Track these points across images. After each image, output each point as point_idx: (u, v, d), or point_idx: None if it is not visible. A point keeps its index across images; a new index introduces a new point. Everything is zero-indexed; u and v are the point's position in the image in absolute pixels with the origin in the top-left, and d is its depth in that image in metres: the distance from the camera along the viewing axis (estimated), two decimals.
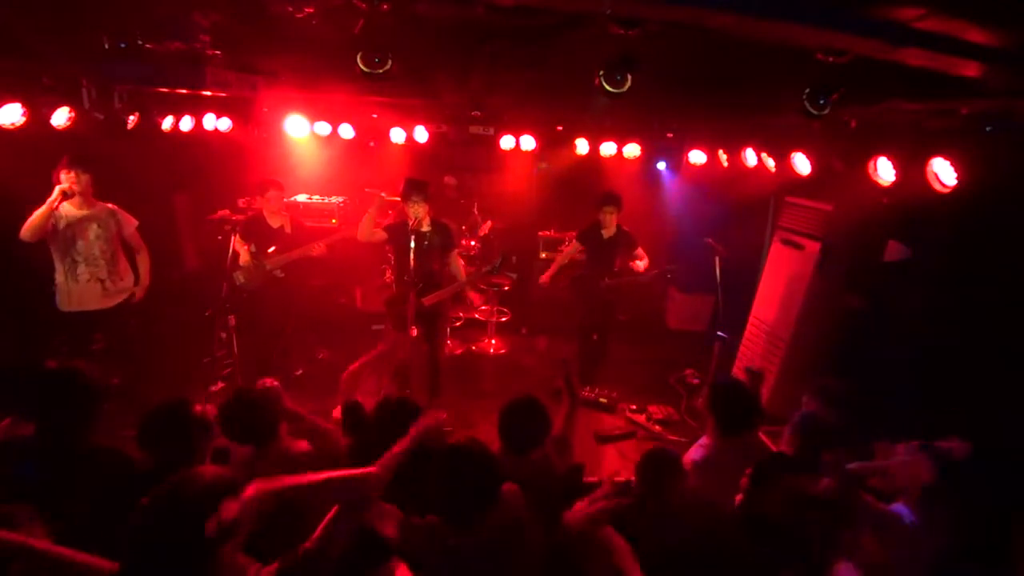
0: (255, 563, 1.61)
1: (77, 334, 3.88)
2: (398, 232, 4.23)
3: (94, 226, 3.84)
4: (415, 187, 4.13)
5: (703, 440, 2.72)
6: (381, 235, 4.28)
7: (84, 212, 3.80)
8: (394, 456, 2.03)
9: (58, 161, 3.68)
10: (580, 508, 2.25)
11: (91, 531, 1.75)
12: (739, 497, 2.26)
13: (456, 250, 4.57)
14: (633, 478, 2.29)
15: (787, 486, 1.88)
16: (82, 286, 3.84)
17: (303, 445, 2.40)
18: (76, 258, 3.80)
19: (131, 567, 1.46)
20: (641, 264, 5.04)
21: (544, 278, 5.41)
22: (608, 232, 5.06)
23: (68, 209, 3.73)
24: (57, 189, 3.62)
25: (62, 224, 3.71)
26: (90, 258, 3.84)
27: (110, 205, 3.95)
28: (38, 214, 3.60)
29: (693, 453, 2.67)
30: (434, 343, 4.52)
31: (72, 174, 3.65)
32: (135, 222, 4.07)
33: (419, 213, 4.10)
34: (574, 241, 5.37)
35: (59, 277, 3.81)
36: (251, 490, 1.57)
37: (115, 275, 3.98)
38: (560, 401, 2.85)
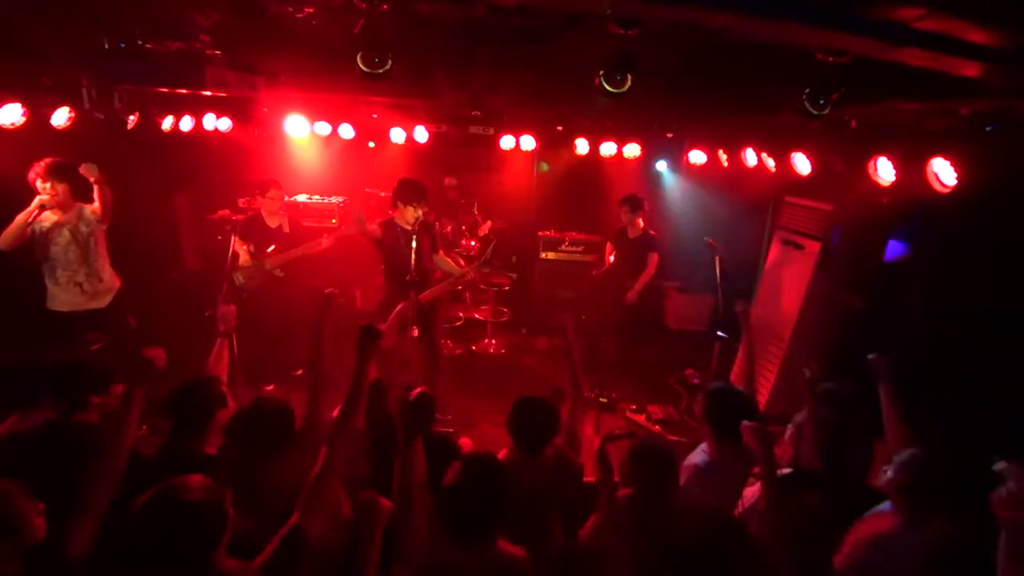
0: (241, 562, 1.64)
1: (70, 333, 3.88)
2: (389, 234, 4.24)
3: (65, 232, 3.82)
4: (418, 192, 4.16)
5: (703, 446, 2.72)
6: (377, 231, 4.26)
7: (56, 219, 3.77)
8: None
9: (38, 161, 3.64)
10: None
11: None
12: (743, 502, 2.27)
13: (441, 250, 4.57)
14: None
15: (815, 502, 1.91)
16: (62, 289, 3.86)
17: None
18: (53, 263, 3.81)
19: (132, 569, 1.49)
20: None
21: (632, 296, 5.24)
22: (633, 232, 5.29)
23: (42, 216, 3.71)
24: (36, 200, 3.62)
25: (36, 231, 3.71)
26: (65, 263, 3.84)
27: (78, 204, 3.88)
28: (15, 225, 3.61)
29: (694, 458, 2.67)
30: (432, 343, 4.53)
31: (48, 185, 3.64)
32: (94, 201, 3.88)
33: (417, 215, 4.13)
34: (608, 243, 5.64)
35: (46, 280, 3.84)
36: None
37: (93, 277, 3.95)
38: (562, 400, 2.85)
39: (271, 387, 4.68)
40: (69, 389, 2.35)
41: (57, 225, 3.79)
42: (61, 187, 3.70)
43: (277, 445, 2.18)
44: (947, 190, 3.10)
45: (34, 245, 3.75)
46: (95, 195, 3.85)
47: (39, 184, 3.64)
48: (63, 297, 3.87)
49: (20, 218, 3.62)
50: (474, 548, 1.89)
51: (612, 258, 5.53)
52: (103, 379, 2.43)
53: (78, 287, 3.90)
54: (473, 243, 6.44)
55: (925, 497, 2.03)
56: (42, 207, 3.64)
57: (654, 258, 5.20)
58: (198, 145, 5.58)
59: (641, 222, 5.24)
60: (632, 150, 6.03)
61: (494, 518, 1.91)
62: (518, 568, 1.94)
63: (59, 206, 3.74)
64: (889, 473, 2.11)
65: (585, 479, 2.69)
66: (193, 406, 2.30)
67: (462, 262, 6.13)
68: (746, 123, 4.94)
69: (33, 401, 2.34)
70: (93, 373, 2.43)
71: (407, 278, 4.07)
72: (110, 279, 4.07)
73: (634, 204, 5.20)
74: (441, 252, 4.53)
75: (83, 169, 3.73)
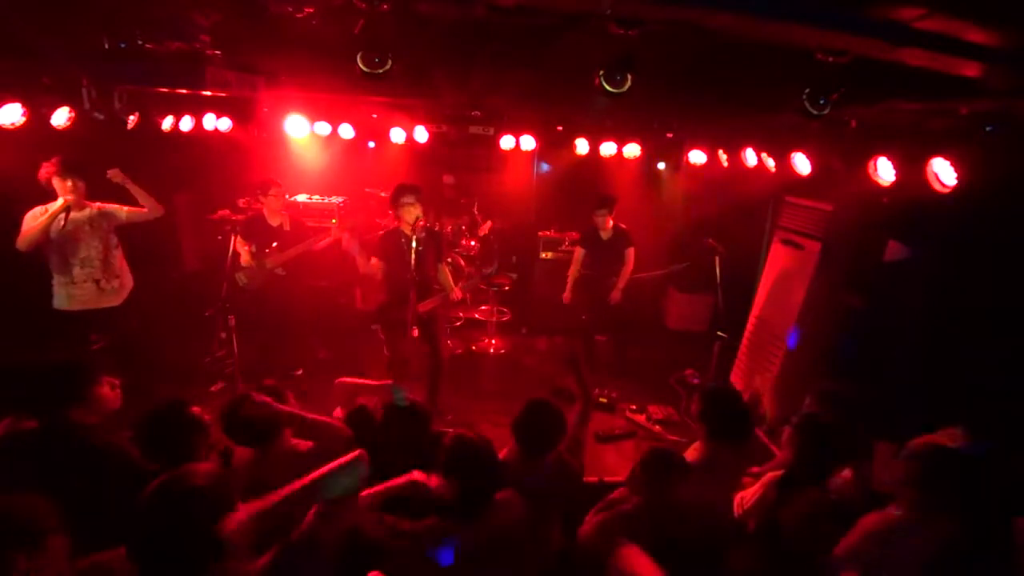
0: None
1: (75, 333, 3.87)
2: (389, 242, 4.25)
3: (87, 228, 3.85)
4: (409, 189, 4.17)
5: (696, 444, 2.72)
6: (378, 265, 4.27)
7: (76, 215, 3.78)
8: (384, 490, 2.06)
9: (46, 161, 3.66)
10: (589, 520, 2.25)
11: (96, 524, 1.76)
12: (743, 503, 2.26)
13: (446, 260, 4.57)
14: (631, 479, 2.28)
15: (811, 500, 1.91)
16: (79, 287, 3.85)
17: (307, 444, 2.39)
18: (72, 261, 3.81)
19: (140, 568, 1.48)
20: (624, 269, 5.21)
21: (566, 297, 5.43)
22: (605, 233, 5.24)
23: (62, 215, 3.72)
24: (61, 201, 3.62)
25: (57, 231, 3.69)
26: (86, 260, 3.85)
27: (96, 205, 3.93)
28: (38, 226, 3.59)
29: (687, 457, 2.67)
30: (435, 344, 4.52)
31: (70, 183, 3.66)
32: (121, 206, 4.04)
33: (416, 214, 4.13)
34: (577, 247, 5.50)
35: (56, 279, 3.83)
36: (242, 514, 1.56)
37: (110, 274, 3.98)
38: (561, 400, 2.85)
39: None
40: (40, 403, 2.20)
41: (79, 222, 3.81)
42: (80, 182, 3.74)
43: (266, 431, 2.22)
44: (947, 190, 3.09)
45: (49, 247, 3.73)
46: (136, 197, 4.01)
47: (56, 182, 3.65)
48: (78, 295, 3.86)
49: (43, 219, 3.60)
50: (476, 522, 1.93)
51: (572, 270, 5.45)
52: (78, 386, 2.25)
53: (95, 284, 3.91)
54: (473, 243, 6.44)
55: (931, 492, 2.03)
56: (67, 208, 3.64)
57: (632, 253, 5.24)
58: (198, 145, 5.58)
59: (610, 221, 5.22)
60: (632, 150, 6.02)
61: (494, 485, 1.98)
62: (520, 536, 1.98)
63: (78, 202, 3.77)
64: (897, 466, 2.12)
65: (585, 479, 2.69)
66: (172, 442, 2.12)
67: (461, 262, 6.14)
68: (746, 123, 4.93)
69: (16, 406, 2.25)
70: (65, 382, 2.23)
71: (408, 277, 4.08)
72: (125, 277, 4.10)
73: (611, 205, 5.17)
74: (443, 265, 4.52)
75: (111, 175, 3.88)
